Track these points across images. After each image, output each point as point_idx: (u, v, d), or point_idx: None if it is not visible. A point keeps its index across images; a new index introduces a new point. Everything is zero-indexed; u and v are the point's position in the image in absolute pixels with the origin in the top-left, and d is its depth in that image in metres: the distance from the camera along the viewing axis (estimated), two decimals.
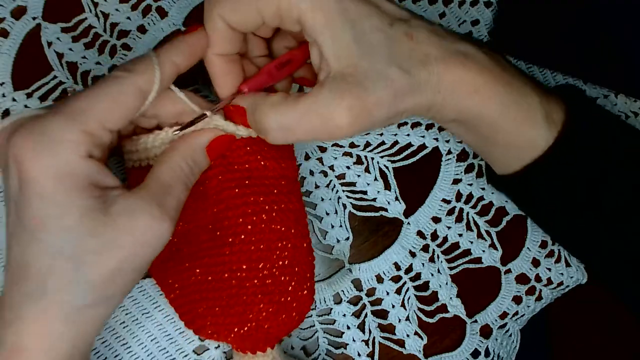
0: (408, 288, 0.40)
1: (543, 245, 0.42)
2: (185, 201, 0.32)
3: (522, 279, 0.42)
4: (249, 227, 0.32)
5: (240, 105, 0.31)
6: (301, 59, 0.33)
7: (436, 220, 0.41)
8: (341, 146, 0.41)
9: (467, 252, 0.41)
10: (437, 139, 0.42)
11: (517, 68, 0.33)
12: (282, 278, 0.33)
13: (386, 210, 0.41)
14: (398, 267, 0.41)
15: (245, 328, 0.33)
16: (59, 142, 0.26)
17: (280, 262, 0.33)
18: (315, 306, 0.40)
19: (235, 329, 0.33)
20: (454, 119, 0.33)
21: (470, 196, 0.42)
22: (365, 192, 0.41)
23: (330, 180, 0.41)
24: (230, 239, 0.32)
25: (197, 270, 0.33)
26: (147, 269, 0.30)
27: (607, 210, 0.33)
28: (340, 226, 0.40)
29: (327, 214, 0.41)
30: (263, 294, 0.33)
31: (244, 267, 0.32)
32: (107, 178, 0.28)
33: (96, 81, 0.31)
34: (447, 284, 0.41)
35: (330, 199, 0.41)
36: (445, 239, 0.41)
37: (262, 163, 0.33)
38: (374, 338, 0.40)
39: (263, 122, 0.30)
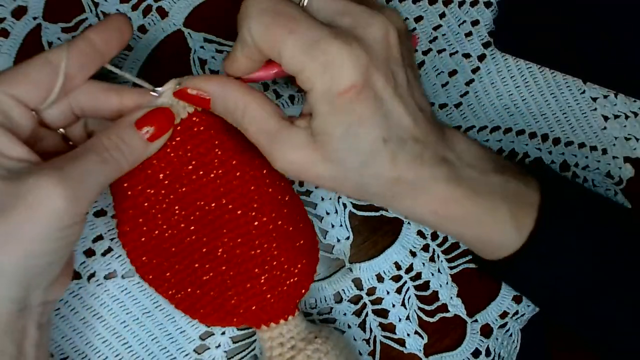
0: (408, 287, 0.41)
1: None
2: (174, 192, 0.32)
3: None
4: (262, 189, 0.33)
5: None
6: None
7: None
8: None
9: (467, 251, 0.41)
10: None
11: (495, 170, 0.33)
12: (300, 227, 0.34)
13: (386, 209, 0.41)
14: (398, 267, 0.41)
15: (284, 288, 0.33)
16: None
17: (295, 213, 0.33)
18: (316, 305, 0.40)
19: (275, 292, 0.33)
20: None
21: None
22: None
23: None
24: (249, 206, 0.32)
25: (220, 250, 0.33)
26: (55, 244, 0.27)
27: (591, 296, 0.34)
28: (341, 225, 0.41)
29: (328, 213, 0.41)
30: (262, 265, 0.33)
31: (271, 227, 0.32)
32: (13, 148, 0.28)
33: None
34: (447, 283, 0.41)
35: (330, 199, 0.41)
36: (445, 239, 0.41)
37: (232, 131, 0.33)
38: (375, 337, 0.40)
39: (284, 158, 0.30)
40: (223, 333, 0.39)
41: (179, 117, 0.32)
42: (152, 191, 0.32)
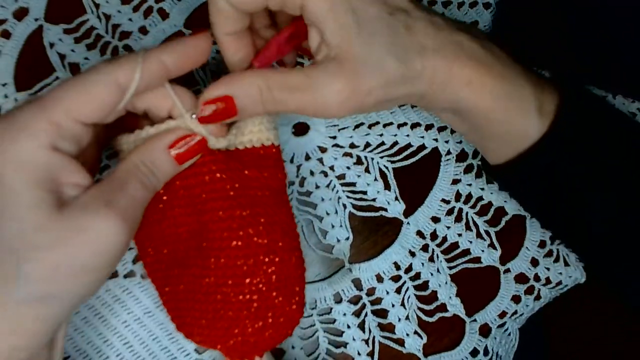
0: (408, 287, 0.41)
1: (542, 244, 0.42)
2: (175, 202, 0.32)
3: (521, 278, 0.42)
4: (234, 242, 0.31)
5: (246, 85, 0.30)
6: (305, 30, 0.32)
7: (436, 220, 0.42)
8: (341, 147, 0.42)
9: (467, 251, 0.42)
10: (436, 140, 0.43)
11: (512, 59, 0.34)
12: (269, 294, 0.32)
13: (386, 210, 0.41)
14: (398, 267, 0.41)
15: (232, 342, 0.32)
16: (22, 129, 0.26)
17: (267, 278, 0.32)
18: (316, 305, 0.40)
19: (222, 342, 0.33)
20: (446, 109, 0.33)
21: (469, 196, 0.42)
22: (365, 192, 0.41)
23: (331, 181, 0.41)
24: (215, 252, 0.32)
25: (185, 279, 0.33)
26: (106, 271, 0.28)
27: (600, 201, 0.33)
28: (341, 226, 0.41)
29: (328, 214, 0.41)
30: (249, 309, 0.32)
31: (230, 282, 0.32)
32: (75, 175, 0.27)
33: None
34: (446, 283, 0.41)
35: (330, 199, 0.41)
36: (444, 239, 0.42)
37: (245, 172, 0.32)
38: (374, 337, 0.40)
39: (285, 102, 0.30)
40: None
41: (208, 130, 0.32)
42: (153, 201, 0.32)
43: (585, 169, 0.33)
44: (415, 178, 0.42)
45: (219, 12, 0.30)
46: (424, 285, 0.41)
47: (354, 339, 0.40)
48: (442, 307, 0.41)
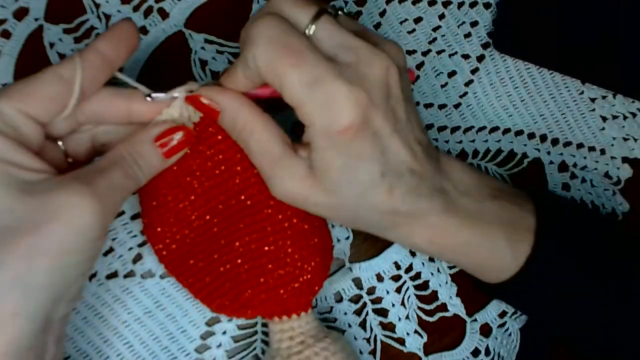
0: (408, 287, 0.41)
1: None
2: (200, 185, 0.33)
3: None
4: (256, 201, 0.33)
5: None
6: None
7: None
8: None
9: None
10: (436, 139, 0.43)
11: (492, 191, 0.34)
12: (316, 227, 0.34)
13: None
14: (398, 266, 0.41)
15: (296, 285, 0.34)
16: None
17: (305, 222, 0.34)
18: (316, 304, 0.40)
19: (288, 287, 0.34)
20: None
21: None
22: None
23: None
24: (265, 203, 0.33)
25: (237, 244, 0.34)
26: (86, 255, 0.28)
27: (589, 315, 0.35)
28: (341, 226, 0.41)
29: None
30: (308, 246, 0.33)
31: (286, 225, 0.33)
32: (30, 161, 0.28)
33: None
34: (446, 283, 0.41)
35: None
36: None
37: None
38: (375, 336, 0.40)
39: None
40: (224, 332, 0.39)
41: (191, 122, 0.33)
42: (180, 186, 0.33)
43: (567, 295, 0.34)
44: None
45: (245, 67, 0.30)
46: (425, 285, 0.41)
47: (355, 338, 0.40)
48: (443, 307, 0.41)
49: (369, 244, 0.41)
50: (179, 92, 0.32)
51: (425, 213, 0.31)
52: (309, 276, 0.34)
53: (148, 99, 0.31)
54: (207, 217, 0.34)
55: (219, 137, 0.33)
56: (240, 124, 0.31)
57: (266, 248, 0.33)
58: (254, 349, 0.39)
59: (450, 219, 0.32)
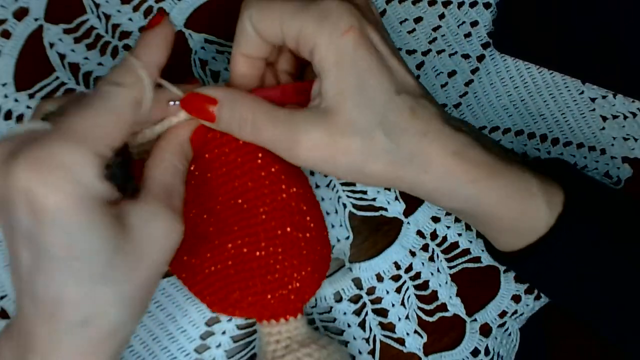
0: (408, 287, 0.41)
1: None
2: (202, 184, 0.33)
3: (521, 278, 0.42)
4: (279, 195, 0.33)
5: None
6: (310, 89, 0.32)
7: (435, 219, 0.42)
8: None
9: (467, 251, 0.42)
10: None
11: (513, 155, 0.34)
12: (310, 237, 0.34)
13: (386, 209, 0.41)
14: (398, 266, 0.41)
15: (284, 292, 0.33)
16: (70, 167, 0.24)
17: (307, 222, 0.34)
18: (316, 304, 0.40)
19: (275, 294, 0.33)
20: (450, 207, 0.33)
21: None
22: (365, 192, 0.41)
23: (331, 180, 0.41)
24: (261, 209, 0.33)
25: (229, 245, 0.34)
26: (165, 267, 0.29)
27: (615, 284, 0.33)
28: (341, 225, 0.41)
29: (328, 213, 0.41)
30: (299, 255, 0.33)
31: (279, 232, 0.33)
32: (112, 192, 0.27)
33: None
34: (446, 283, 0.41)
35: (330, 199, 0.41)
36: (444, 239, 0.42)
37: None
38: (374, 336, 0.40)
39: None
40: (224, 333, 0.39)
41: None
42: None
43: (597, 256, 0.33)
44: None
45: (243, 32, 0.31)
46: (424, 285, 0.41)
47: (354, 338, 0.40)
48: (443, 307, 0.41)
49: (369, 244, 0.41)
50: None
51: (458, 143, 0.30)
52: (297, 284, 0.33)
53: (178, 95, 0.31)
54: (204, 216, 0.34)
55: (224, 140, 0.33)
56: (239, 109, 0.30)
57: (257, 253, 0.33)
58: (252, 348, 0.39)
59: (486, 154, 0.31)
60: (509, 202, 0.31)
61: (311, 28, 0.28)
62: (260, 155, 0.33)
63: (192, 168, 0.33)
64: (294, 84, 0.33)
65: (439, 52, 0.44)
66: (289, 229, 0.33)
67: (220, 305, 0.34)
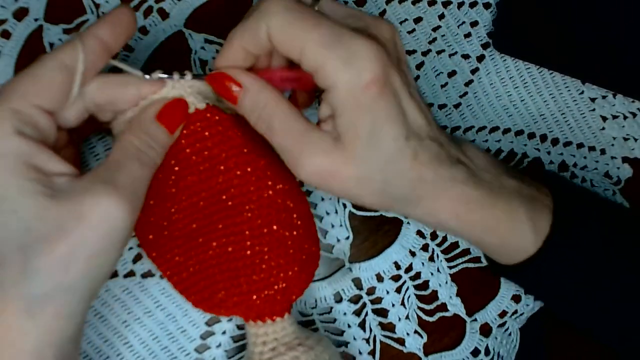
0: (408, 287, 0.41)
1: None
2: (187, 172, 0.32)
3: None
4: (266, 192, 0.33)
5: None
6: (310, 87, 0.32)
7: None
8: None
9: (467, 251, 0.42)
10: None
11: (508, 173, 0.34)
12: (297, 235, 0.33)
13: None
14: (398, 266, 0.41)
15: (270, 292, 0.33)
16: None
17: (294, 220, 0.33)
18: (316, 305, 0.40)
19: (261, 294, 0.33)
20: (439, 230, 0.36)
21: None
22: None
23: None
24: (246, 206, 0.32)
25: (214, 244, 0.33)
26: (116, 253, 0.28)
27: (602, 300, 0.35)
28: (341, 225, 0.41)
29: (328, 213, 0.41)
30: (286, 254, 0.33)
31: (265, 230, 0.32)
32: (52, 163, 0.27)
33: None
34: (446, 283, 0.41)
35: (330, 199, 0.41)
36: (444, 239, 0.42)
37: (248, 125, 0.32)
38: (374, 336, 0.40)
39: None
40: (224, 332, 0.39)
41: (192, 107, 0.32)
42: (162, 176, 0.33)
43: (587, 273, 0.34)
44: None
45: (252, 32, 0.30)
46: (424, 285, 0.41)
47: (354, 338, 0.40)
48: (443, 307, 0.41)
49: (369, 244, 0.41)
50: (176, 76, 0.32)
51: (450, 182, 0.31)
52: (284, 285, 0.33)
53: (146, 76, 0.31)
54: (188, 212, 0.33)
55: (206, 133, 0.32)
56: (262, 103, 0.30)
57: (242, 252, 0.33)
58: None
59: (473, 191, 0.32)
60: (490, 233, 0.33)
61: (334, 69, 0.28)
62: (245, 150, 0.32)
63: (172, 162, 0.32)
64: (282, 71, 0.32)
65: (438, 52, 0.44)
66: (275, 227, 0.33)
67: (205, 304, 0.34)
